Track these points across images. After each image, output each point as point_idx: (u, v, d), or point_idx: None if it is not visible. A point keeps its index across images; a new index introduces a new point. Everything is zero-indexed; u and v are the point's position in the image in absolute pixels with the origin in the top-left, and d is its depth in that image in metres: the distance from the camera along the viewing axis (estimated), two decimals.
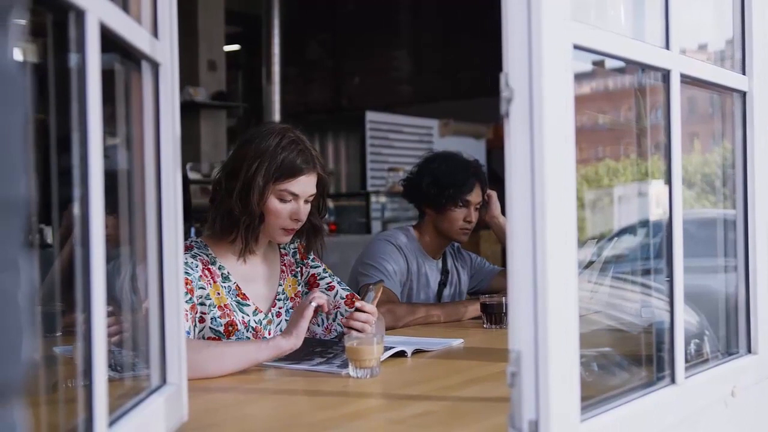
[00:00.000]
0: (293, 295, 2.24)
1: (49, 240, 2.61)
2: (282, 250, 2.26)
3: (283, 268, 2.24)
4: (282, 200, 2.06)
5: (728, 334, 1.80)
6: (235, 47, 9.18)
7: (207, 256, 2.09)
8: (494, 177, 4.16)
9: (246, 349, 1.86)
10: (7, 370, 0.51)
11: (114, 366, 1.28)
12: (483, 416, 1.46)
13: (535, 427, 1.10)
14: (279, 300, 2.19)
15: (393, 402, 1.62)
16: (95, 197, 0.96)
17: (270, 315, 2.16)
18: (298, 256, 2.28)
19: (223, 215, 2.07)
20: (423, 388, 1.72)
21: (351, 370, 1.78)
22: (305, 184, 2.07)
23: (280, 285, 2.21)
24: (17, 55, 0.57)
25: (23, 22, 0.60)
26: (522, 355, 1.11)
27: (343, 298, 2.24)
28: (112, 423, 1.04)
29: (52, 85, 0.98)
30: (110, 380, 1.01)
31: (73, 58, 0.96)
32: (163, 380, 1.31)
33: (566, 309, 1.14)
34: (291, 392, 1.73)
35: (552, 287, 1.10)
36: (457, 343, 2.25)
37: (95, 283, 0.96)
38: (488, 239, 5.98)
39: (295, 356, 1.97)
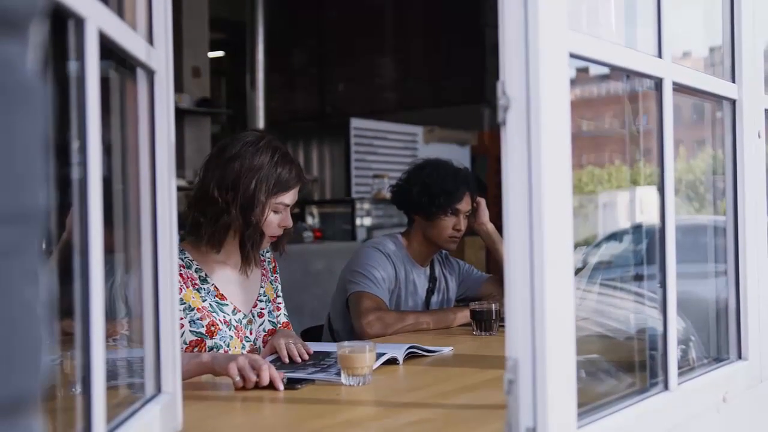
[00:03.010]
0: (272, 299, 2.30)
1: None
2: (260, 256, 2.31)
3: (263, 272, 2.31)
4: (276, 212, 2.15)
5: (718, 341, 1.81)
6: (220, 54, 9.16)
7: (182, 260, 2.12)
8: (478, 183, 4.13)
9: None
10: (29, 381, 0.51)
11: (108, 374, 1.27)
12: (478, 423, 1.46)
13: None
14: (261, 301, 2.26)
15: (387, 410, 1.62)
16: (93, 204, 0.95)
17: (251, 315, 2.21)
18: (270, 267, 2.35)
19: (221, 228, 2.10)
20: (416, 395, 1.72)
21: (343, 377, 1.78)
22: (294, 194, 2.19)
23: (262, 287, 2.27)
24: (36, 65, 0.56)
25: (41, 33, 0.59)
26: (519, 362, 1.11)
27: (280, 324, 2.30)
28: None
29: (49, 93, 0.97)
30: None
31: (71, 65, 0.95)
32: (158, 389, 1.30)
33: (563, 316, 1.14)
34: (284, 400, 1.72)
35: (549, 294, 1.11)
36: (447, 350, 2.25)
37: (94, 293, 0.95)
38: (473, 245, 5.97)
39: (289, 367, 1.96)
